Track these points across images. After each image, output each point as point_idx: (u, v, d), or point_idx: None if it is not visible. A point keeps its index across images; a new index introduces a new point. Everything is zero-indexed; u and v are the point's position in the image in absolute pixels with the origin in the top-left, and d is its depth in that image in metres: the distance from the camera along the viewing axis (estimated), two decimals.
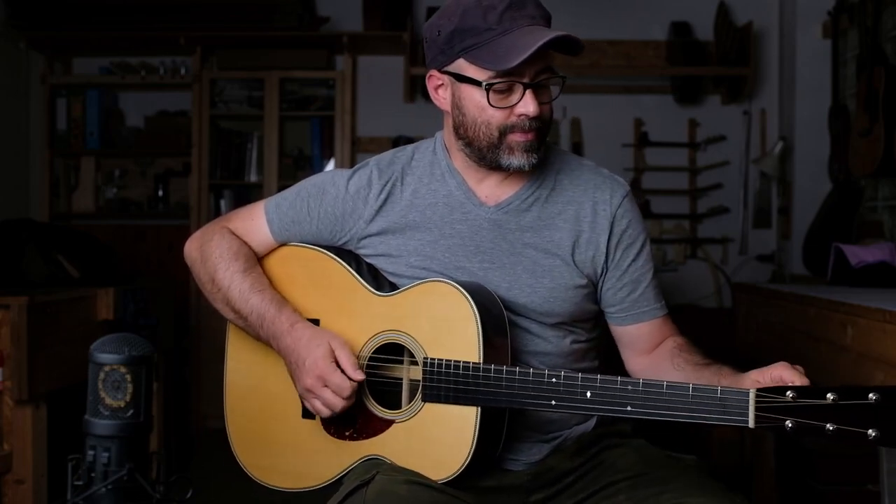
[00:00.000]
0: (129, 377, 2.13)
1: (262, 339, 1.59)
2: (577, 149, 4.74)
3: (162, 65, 4.79)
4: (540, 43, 1.39)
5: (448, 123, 1.59)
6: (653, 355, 1.63)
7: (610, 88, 4.83)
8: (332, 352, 1.49)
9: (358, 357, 1.53)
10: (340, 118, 4.74)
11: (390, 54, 4.81)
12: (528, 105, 1.46)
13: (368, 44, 4.73)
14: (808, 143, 4.38)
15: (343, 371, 1.48)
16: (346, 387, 1.47)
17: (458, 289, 1.45)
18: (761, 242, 4.77)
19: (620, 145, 4.83)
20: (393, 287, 1.57)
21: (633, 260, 1.60)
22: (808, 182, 4.36)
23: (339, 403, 1.47)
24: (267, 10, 4.58)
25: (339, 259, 1.60)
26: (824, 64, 4.20)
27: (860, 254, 3.10)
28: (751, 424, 1.24)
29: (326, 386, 1.48)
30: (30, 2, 4.53)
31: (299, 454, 1.59)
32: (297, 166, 4.85)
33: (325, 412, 1.49)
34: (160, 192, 4.92)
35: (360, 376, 1.48)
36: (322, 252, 1.63)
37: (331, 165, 4.78)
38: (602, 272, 1.59)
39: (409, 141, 4.40)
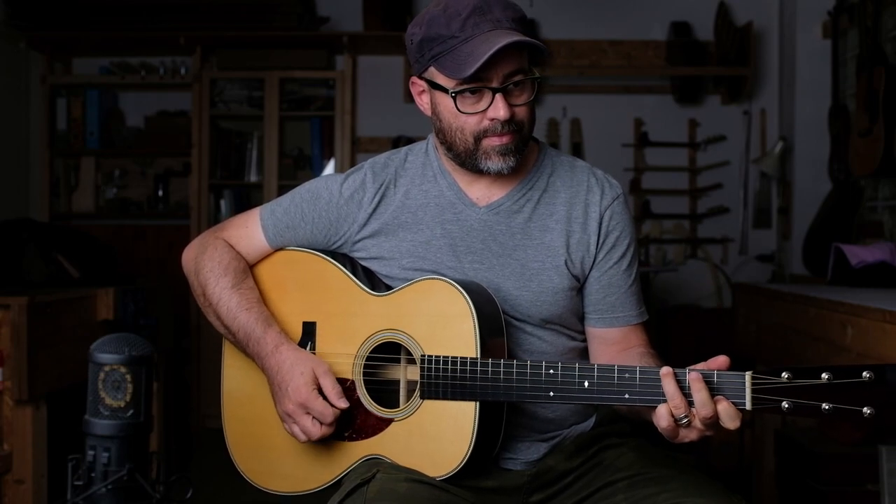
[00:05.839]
0: (129, 377, 2.14)
1: (248, 355, 1.59)
2: (577, 149, 4.75)
3: (162, 65, 4.79)
4: (490, 52, 1.38)
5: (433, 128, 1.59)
6: (619, 354, 1.58)
7: (610, 88, 4.83)
8: (316, 379, 1.49)
9: (355, 357, 1.53)
10: (340, 118, 4.74)
11: (390, 54, 4.81)
12: (497, 109, 1.45)
13: (368, 44, 4.73)
14: (808, 143, 4.39)
15: (326, 398, 1.47)
16: (329, 414, 1.46)
17: (454, 286, 1.45)
18: (761, 242, 4.77)
19: (620, 145, 4.83)
20: (388, 287, 1.57)
21: (616, 263, 1.58)
22: (808, 182, 4.36)
23: (317, 432, 1.47)
24: (267, 10, 4.58)
25: (333, 261, 1.60)
26: (824, 64, 4.20)
27: (860, 254, 3.10)
28: (748, 406, 1.24)
29: (308, 413, 1.47)
30: (30, 2, 4.53)
31: (298, 457, 1.58)
32: (297, 166, 4.85)
33: (302, 438, 1.49)
34: (160, 192, 4.93)
35: (343, 404, 1.48)
36: (316, 255, 1.63)
37: (331, 165, 4.79)
38: (587, 273, 1.58)
39: (409, 141, 4.40)
